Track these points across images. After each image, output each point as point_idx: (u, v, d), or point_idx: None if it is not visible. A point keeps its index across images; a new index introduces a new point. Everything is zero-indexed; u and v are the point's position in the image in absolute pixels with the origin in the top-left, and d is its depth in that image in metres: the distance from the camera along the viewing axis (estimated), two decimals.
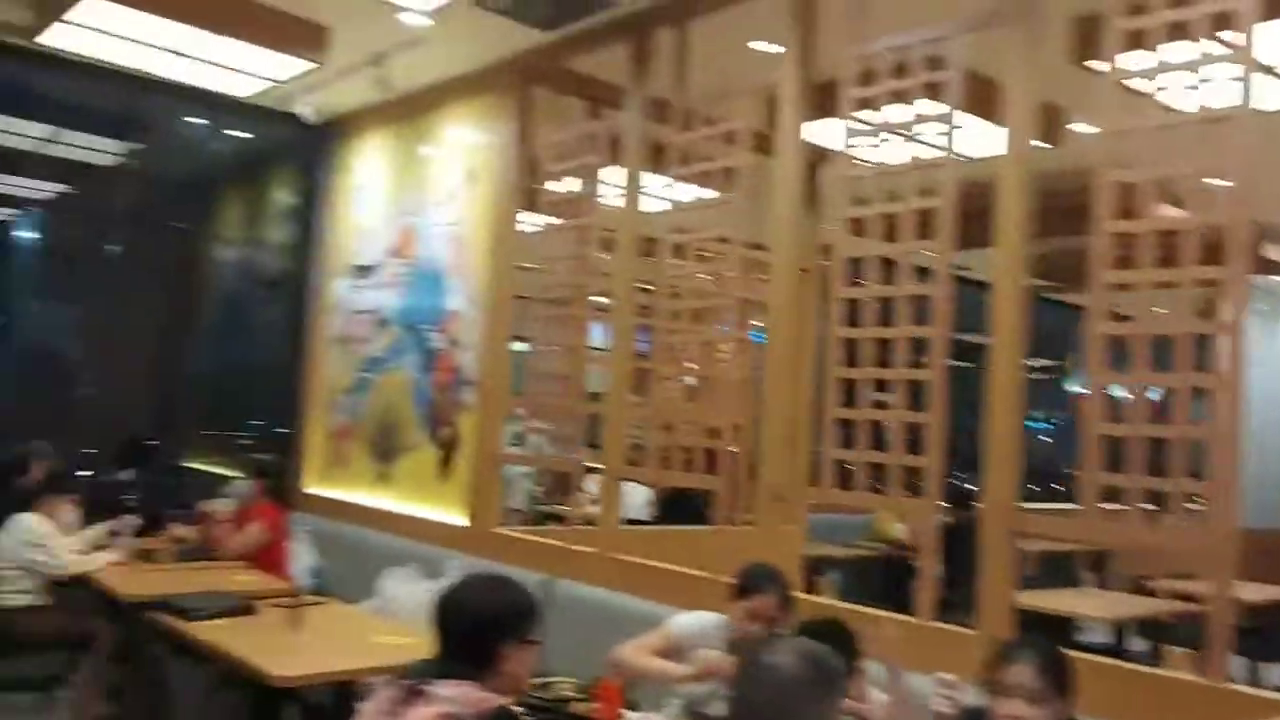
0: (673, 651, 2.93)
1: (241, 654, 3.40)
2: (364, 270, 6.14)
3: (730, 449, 4.06)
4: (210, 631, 3.68)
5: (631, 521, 5.88)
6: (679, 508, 6.79)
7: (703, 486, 4.16)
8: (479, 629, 2.15)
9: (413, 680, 2.12)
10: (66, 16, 4.42)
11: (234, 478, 5.99)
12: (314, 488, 6.35)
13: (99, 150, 7.92)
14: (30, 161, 8.29)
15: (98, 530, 4.90)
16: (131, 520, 4.98)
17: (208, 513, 5.35)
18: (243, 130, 7.02)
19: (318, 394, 6.48)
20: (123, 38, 4.72)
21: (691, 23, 4.24)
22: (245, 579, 4.74)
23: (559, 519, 6.13)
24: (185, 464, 7.73)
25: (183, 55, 4.87)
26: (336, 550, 5.74)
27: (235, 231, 7.92)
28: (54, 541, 4.60)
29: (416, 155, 5.81)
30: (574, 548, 4.46)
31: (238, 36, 4.61)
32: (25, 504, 4.70)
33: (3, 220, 10.35)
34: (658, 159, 4.39)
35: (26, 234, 10.57)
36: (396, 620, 4.36)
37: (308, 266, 6.63)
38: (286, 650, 3.56)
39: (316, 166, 6.54)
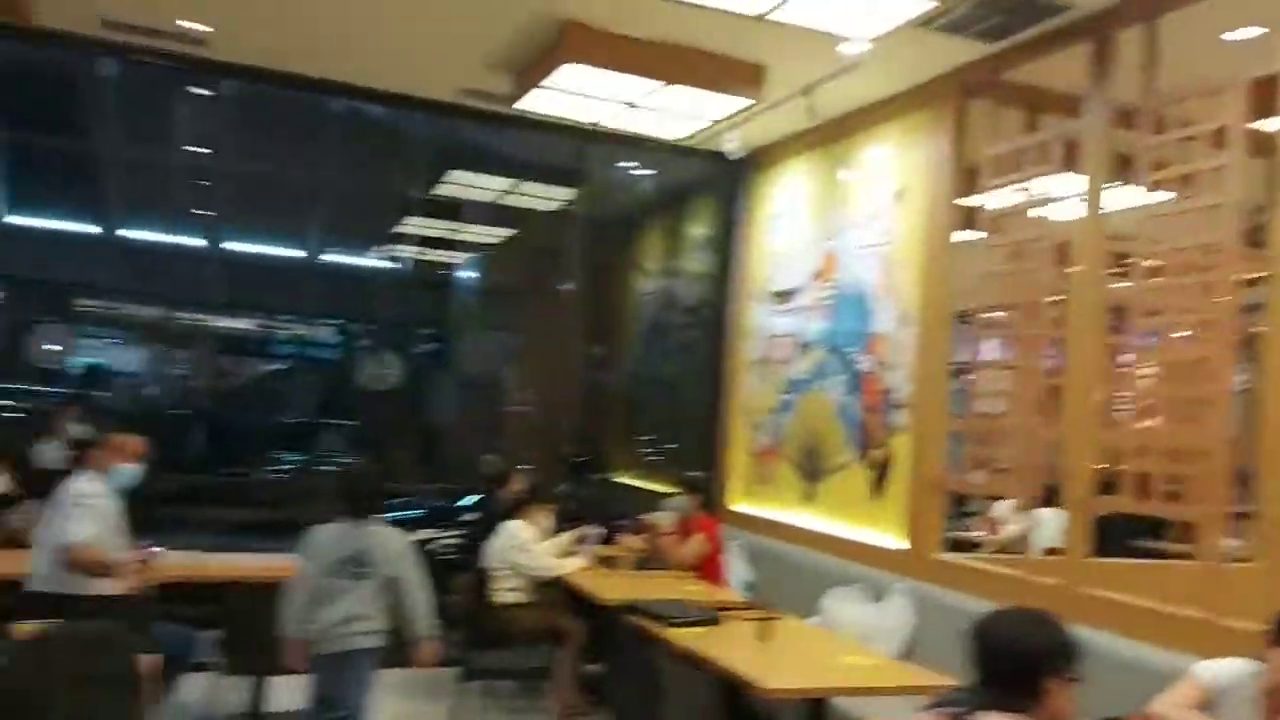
0: (1205, 703, 2.71)
1: (726, 662, 3.62)
2: (783, 295, 6.33)
3: (1214, 475, 3.69)
4: (687, 638, 3.95)
5: (1050, 551, 5.55)
6: (1108, 536, 6.27)
7: (1177, 516, 3.82)
8: (1024, 662, 2.12)
9: (959, 709, 2.13)
10: (544, 83, 5.00)
11: (668, 493, 6.41)
12: (738, 504, 6.63)
13: (541, 197, 8.90)
14: (485, 211, 9.52)
15: (567, 537, 5.45)
16: (597, 530, 5.49)
17: (652, 524, 5.76)
18: (668, 169, 7.55)
19: (738, 414, 6.77)
20: (580, 95, 5.25)
21: (1160, 19, 3.94)
22: (696, 589, 5.06)
23: (964, 545, 5.91)
24: (612, 478, 8.41)
25: (632, 106, 5.32)
26: (764, 565, 5.94)
27: (657, 263, 8.52)
28: (536, 546, 5.18)
29: (837, 179, 5.91)
30: (1032, 579, 4.27)
31: (685, 83, 4.96)
32: (509, 513, 5.35)
33: (451, 263, 11.95)
34: (1119, 164, 4.13)
35: (466, 274, 12.13)
36: (844, 640, 4.43)
37: (725, 293, 6.96)
38: (766, 662, 3.73)
39: (734, 198, 6.87)
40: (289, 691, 4.44)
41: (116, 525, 4.05)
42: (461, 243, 10.73)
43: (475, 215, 9.84)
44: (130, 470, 4.18)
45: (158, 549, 4.24)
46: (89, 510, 3.88)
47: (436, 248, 11.24)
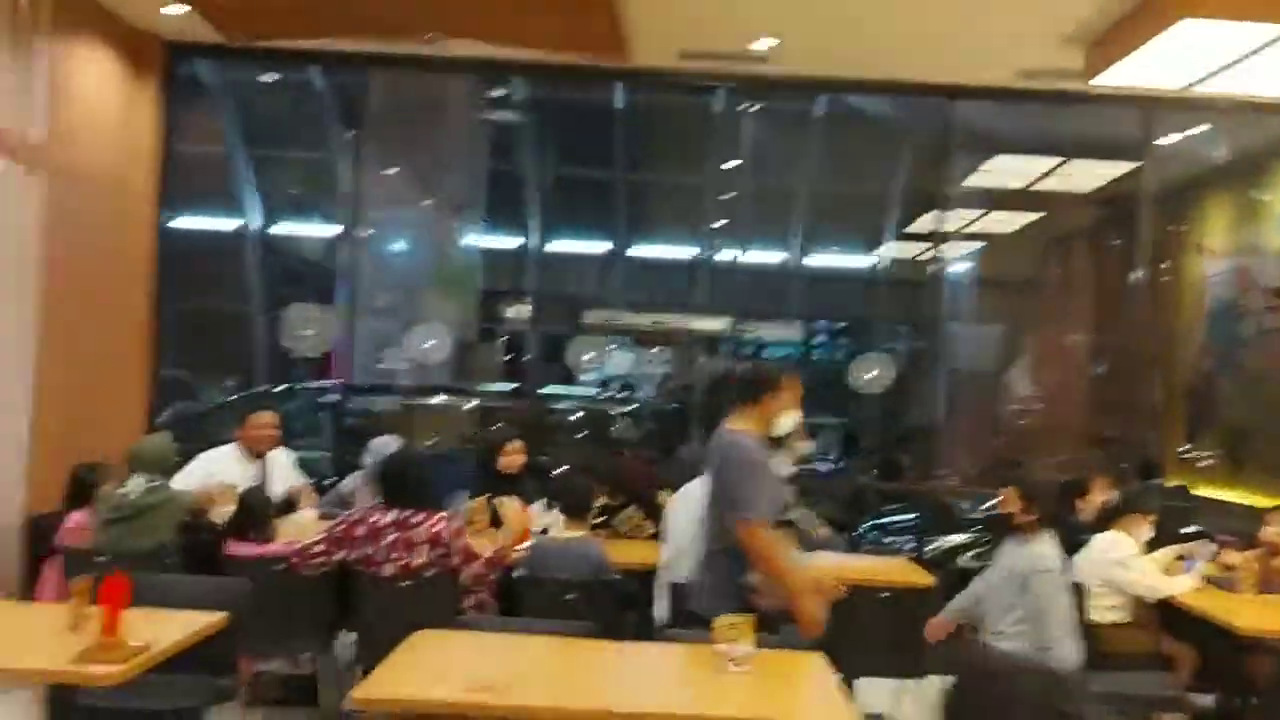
0: None
1: None
2: None
3: None
4: None
5: None
6: None
7: None
8: None
9: None
10: (1142, 48, 4.50)
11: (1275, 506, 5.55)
12: None
13: (1076, 177, 8.25)
14: (987, 198, 9.06)
15: (1167, 553, 4.89)
16: (1208, 546, 4.88)
17: (1272, 541, 4.98)
18: (1246, 132, 6.59)
19: None
20: (1176, 57, 4.68)
21: None
22: None
23: None
24: (1169, 485, 7.52)
25: (1238, 62, 4.65)
26: None
27: (1226, 240, 7.49)
28: (1137, 561, 4.69)
29: None
30: None
31: None
32: (1095, 525, 4.90)
33: (941, 257, 11.58)
34: None
35: (961, 267, 11.69)
36: None
37: None
38: None
39: None
40: (876, 693, 4.59)
41: None
42: (955, 234, 10.36)
43: (979, 203, 9.40)
44: None
45: None
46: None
47: (925, 241, 10.97)
